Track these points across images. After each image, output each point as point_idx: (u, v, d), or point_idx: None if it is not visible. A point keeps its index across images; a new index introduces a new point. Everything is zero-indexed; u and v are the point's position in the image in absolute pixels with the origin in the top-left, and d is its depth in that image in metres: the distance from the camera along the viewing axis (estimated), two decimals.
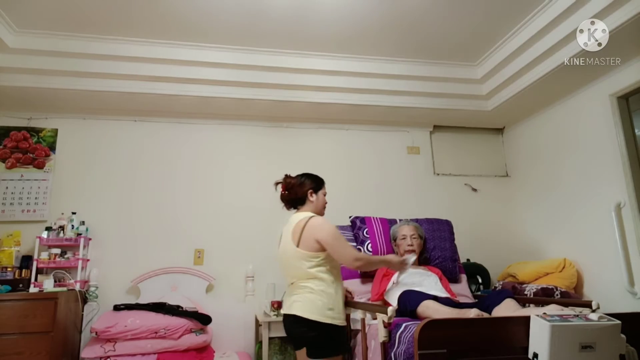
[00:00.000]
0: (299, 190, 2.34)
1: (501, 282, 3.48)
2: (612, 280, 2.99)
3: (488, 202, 4.14)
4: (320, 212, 2.39)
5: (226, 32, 3.18)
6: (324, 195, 2.42)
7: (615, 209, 2.99)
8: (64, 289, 3.03)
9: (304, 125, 3.98)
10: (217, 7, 2.89)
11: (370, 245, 2.99)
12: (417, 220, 3.17)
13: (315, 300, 2.11)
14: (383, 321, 1.91)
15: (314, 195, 2.36)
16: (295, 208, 2.38)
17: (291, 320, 2.15)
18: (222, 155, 3.80)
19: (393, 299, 2.53)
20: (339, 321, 2.14)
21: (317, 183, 2.41)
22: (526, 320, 1.57)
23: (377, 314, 2.02)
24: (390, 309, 1.88)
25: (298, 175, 2.41)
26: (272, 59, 3.42)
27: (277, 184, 2.42)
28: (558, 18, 2.85)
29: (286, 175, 2.41)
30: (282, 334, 3.10)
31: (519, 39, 3.20)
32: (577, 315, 1.55)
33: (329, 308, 2.11)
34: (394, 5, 2.93)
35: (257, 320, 3.37)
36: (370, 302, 2.74)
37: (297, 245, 2.17)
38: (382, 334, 1.91)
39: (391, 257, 2.42)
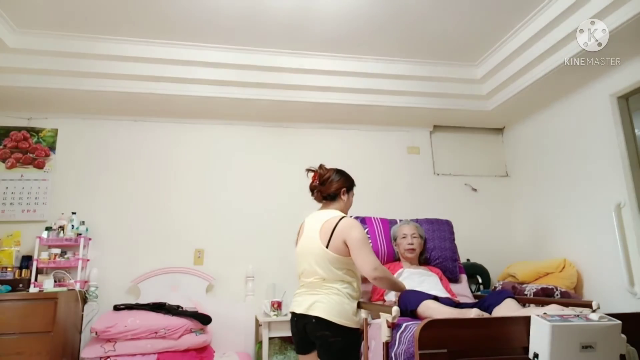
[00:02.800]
0: (332, 186, 2.27)
1: (501, 282, 3.48)
2: (612, 280, 2.99)
3: (488, 202, 4.15)
4: (346, 212, 2.33)
5: (226, 32, 3.18)
6: (353, 196, 2.38)
7: (615, 209, 2.98)
8: (64, 289, 3.03)
9: (304, 125, 3.99)
10: (217, 7, 2.89)
11: (370, 245, 2.98)
12: (417, 220, 3.16)
13: (342, 303, 2.05)
14: (387, 321, 1.91)
15: (345, 194, 2.31)
16: (322, 201, 2.30)
17: (312, 322, 2.03)
18: (222, 155, 3.80)
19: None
20: (361, 326, 2.12)
21: (350, 182, 2.35)
22: (526, 320, 1.57)
23: (380, 313, 2.02)
24: (394, 309, 1.88)
25: (332, 169, 2.33)
26: (272, 59, 3.42)
27: (309, 171, 2.33)
28: (558, 18, 2.85)
29: (321, 166, 2.33)
30: (282, 334, 3.13)
31: (519, 39, 3.20)
32: (578, 315, 1.55)
33: (354, 313, 2.08)
34: (394, 6, 2.93)
35: (257, 320, 3.37)
36: (371, 302, 2.74)
37: (327, 247, 2.08)
38: (385, 334, 1.91)
39: (403, 285, 2.33)
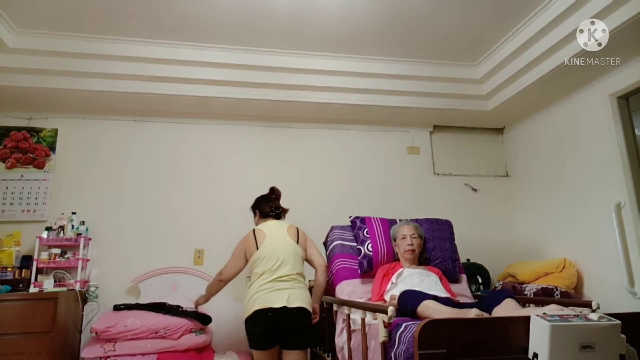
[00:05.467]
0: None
1: (501, 282, 3.48)
2: (612, 280, 2.99)
3: (488, 202, 4.15)
4: None
5: (226, 32, 3.18)
6: None
7: (615, 209, 2.98)
8: (64, 289, 3.03)
9: (304, 125, 3.99)
10: (217, 7, 2.89)
11: (370, 245, 2.99)
12: (417, 220, 3.16)
13: (307, 293, 2.46)
14: (383, 321, 1.91)
15: None
16: (270, 216, 2.71)
17: (293, 314, 2.30)
18: (222, 155, 3.80)
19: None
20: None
21: None
22: (526, 320, 1.57)
23: (377, 314, 2.02)
24: (390, 309, 1.88)
25: None
26: (272, 59, 3.42)
27: (272, 190, 2.83)
28: (558, 18, 2.85)
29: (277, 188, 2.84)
30: None
31: (519, 39, 3.20)
32: (577, 315, 1.55)
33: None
34: (394, 6, 2.93)
35: None
36: (370, 302, 2.74)
37: (297, 242, 2.56)
38: (382, 334, 1.91)
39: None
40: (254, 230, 2.60)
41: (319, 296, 2.67)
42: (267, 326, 2.29)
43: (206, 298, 2.81)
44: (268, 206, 2.70)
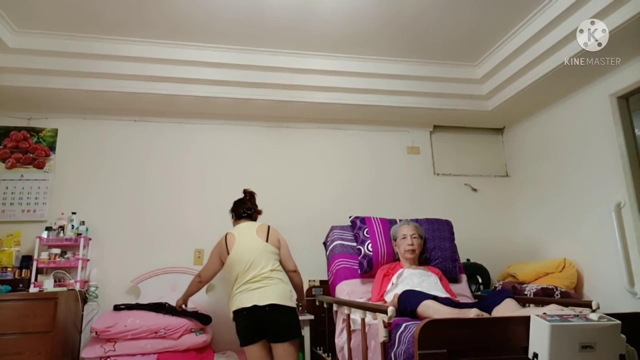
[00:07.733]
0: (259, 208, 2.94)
1: (501, 282, 3.48)
2: (612, 281, 2.99)
3: (488, 202, 4.15)
4: None
5: (226, 32, 3.18)
6: None
7: (615, 209, 2.99)
8: (64, 289, 3.03)
9: (304, 125, 3.99)
10: (217, 7, 2.89)
11: (370, 245, 2.99)
12: (417, 220, 3.16)
13: (286, 289, 2.55)
14: (383, 321, 1.91)
15: None
16: (243, 218, 2.83)
17: (266, 310, 2.41)
18: (222, 155, 3.80)
19: None
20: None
21: None
22: (526, 320, 1.57)
23: (377, 314, 2.02)
24: (390, 309, 1.88)
25: None
26: (272, 59, 3.42)
27: (247, 192, 2.92)
28: (558, 18, 2.85)
29: (251, 191, 2.94)
30: None
31: (519, 39, 3.20)
32: (577, 315, 1.55)
33: (292, 296, 2.59)
34: (394, 5, 2.93)
35: None
36: (370, 302, 2.74)
37: (267, 241, 2.63)
38: (382, 334, 1.91)
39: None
40: (226, 234, 2.72)
41: (301, 294, 2.87)
42: (246, 323, 2.45)
43: (185, 298, 2.89)
44: (242, 208, 2.85)
